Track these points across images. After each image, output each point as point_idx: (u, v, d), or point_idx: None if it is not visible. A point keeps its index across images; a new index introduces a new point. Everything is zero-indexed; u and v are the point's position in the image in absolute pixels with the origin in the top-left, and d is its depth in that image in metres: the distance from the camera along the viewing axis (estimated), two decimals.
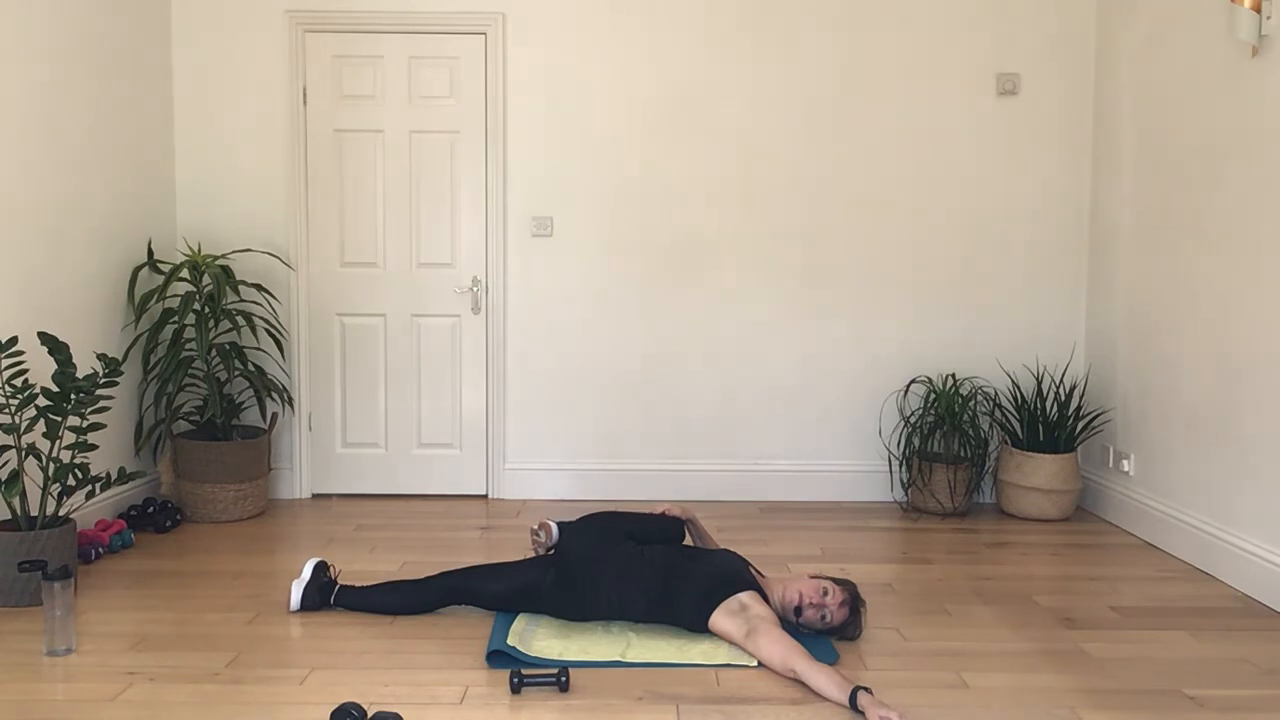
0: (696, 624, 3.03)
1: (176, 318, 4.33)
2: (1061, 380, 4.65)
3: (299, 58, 4.73)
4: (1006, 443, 4.68)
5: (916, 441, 4.72)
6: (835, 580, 3.07)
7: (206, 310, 4.38)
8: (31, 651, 2.92)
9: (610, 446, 4.92)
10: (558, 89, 4.78)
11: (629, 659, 2.87)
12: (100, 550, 3.82)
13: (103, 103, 4.17)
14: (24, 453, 3.33)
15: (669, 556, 3.15)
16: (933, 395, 4.68)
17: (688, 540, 3.58)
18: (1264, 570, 3.47)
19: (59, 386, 3.34)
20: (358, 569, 3.76)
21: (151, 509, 4.26)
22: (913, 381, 4.86)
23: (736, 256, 4.84)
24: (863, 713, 2.51)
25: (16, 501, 3.37)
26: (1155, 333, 4.25)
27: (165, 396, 4.41)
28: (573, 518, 3.53)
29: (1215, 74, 3.83)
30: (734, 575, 3.07)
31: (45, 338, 3.36)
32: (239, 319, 4.65)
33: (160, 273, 4.51)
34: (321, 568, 3.34)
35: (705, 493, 4.92)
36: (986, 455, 4.71)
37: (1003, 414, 4.75)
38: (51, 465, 3.40)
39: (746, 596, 3.01)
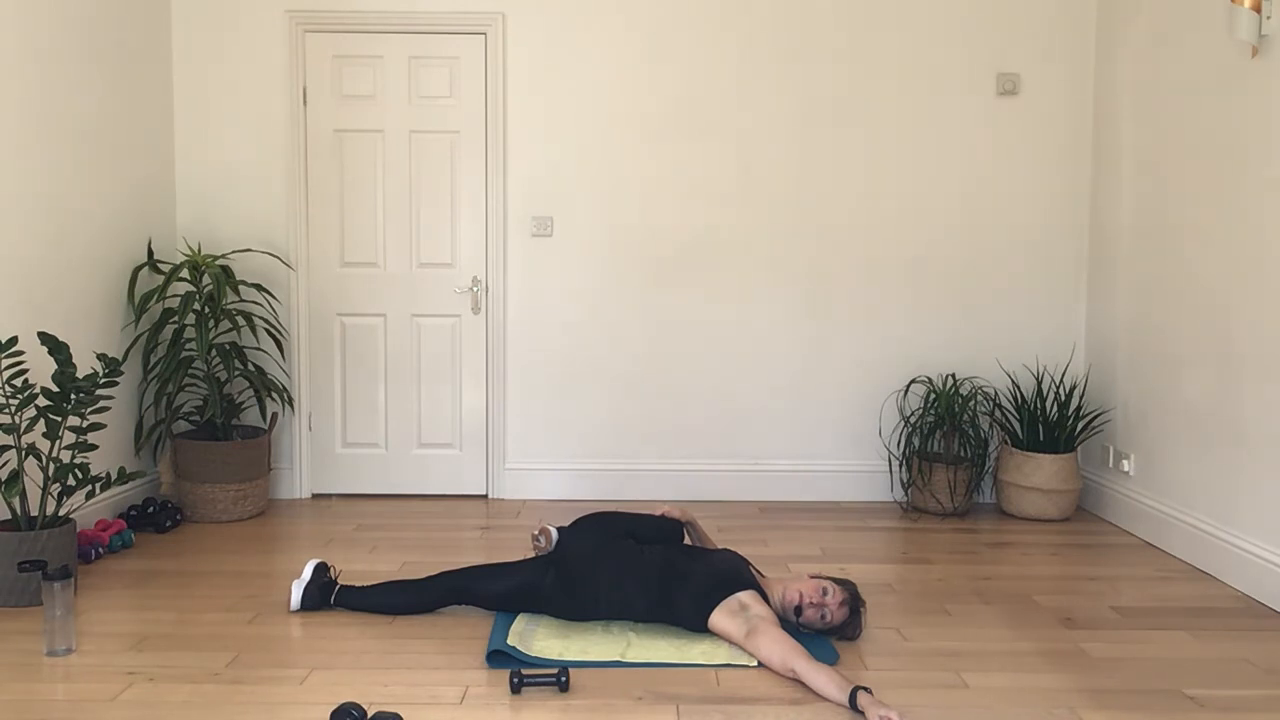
0: (696, 624, 3.03)
1: (176, 318, 4.33)
2: (1061, 380, 4.65)
3: (299, 57, 4.73)
4: (1006, 443, 4.68)
5: (916, 441, 4.72)
6: (835, 580, 3.07)
7: (206, 310, 4.38)
8: (31, 651, 2.92)
9: (610, 446, 4.92)
10: (558, 89, 4.78)
11: (629, 659, 2.87)
12: (100, 550, 3.82)
13: (103, 103, 4.17)
14: (24, 453, 3.33)
15: (669, 556, 3.15)
16: (933, 395, 4.68)
17: (686, 542, 3.58)
18: (1264, 570, 3.47)
19: (59, 386, 3.34)
20: (358, 569, 3.76)
21: (151, 509, 4.26)
22: (913, 381, 4.86)
23: (736, 256, 4.84)
24: (863, 713, 2.52)
25: (16, 501, 3.37)
26: (1155, 333, 4.25)
27: (165, 396, 4.42)
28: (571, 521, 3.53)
29: (1215, 74, 3.83)
30: (734, 575, 3.07)
31: (45, 338, 3.36)
32: (239, 319, 4.65)
33: (160, 273, 4.51)
34: (322, 568, 3.35)
35: (705, 493, 4.92)
36: (986, 455, 4.71)
37: (1003, 414, 4.75)
38: (51, 465, 3.40)
39: (746, 596, 3.01)
